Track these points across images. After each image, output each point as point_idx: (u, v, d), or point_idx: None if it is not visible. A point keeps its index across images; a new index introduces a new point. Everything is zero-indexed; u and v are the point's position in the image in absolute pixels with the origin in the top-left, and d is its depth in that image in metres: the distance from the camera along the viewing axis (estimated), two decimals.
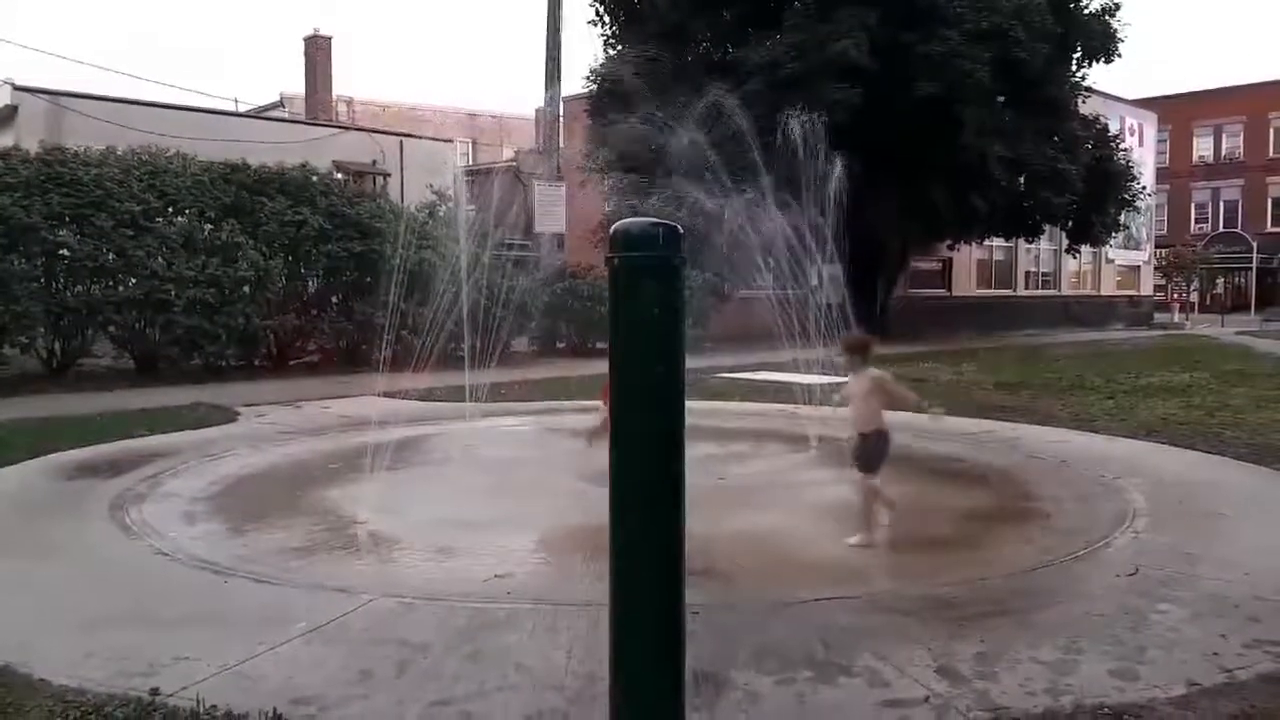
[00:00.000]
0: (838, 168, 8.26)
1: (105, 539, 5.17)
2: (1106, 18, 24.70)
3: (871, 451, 5.08)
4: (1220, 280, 52.04)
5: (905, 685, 3.21)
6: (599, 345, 17.48)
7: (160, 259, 12.92)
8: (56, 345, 13.05)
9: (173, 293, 12.86)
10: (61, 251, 12.32)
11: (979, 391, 12.14)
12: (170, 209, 13.65)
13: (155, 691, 3.11)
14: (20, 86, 21.20)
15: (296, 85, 35.81)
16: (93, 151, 13.51)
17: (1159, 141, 45.29)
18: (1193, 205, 55.78)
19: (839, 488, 6.41)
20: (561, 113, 22.78)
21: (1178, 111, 51.14)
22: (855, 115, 18.85)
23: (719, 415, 9.77)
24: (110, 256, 12.64)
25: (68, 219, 12.39)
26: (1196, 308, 44.73)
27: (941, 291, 32.01)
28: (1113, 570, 4.55)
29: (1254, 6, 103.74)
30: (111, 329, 13.32)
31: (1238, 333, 29.20)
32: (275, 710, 2.97)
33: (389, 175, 25.92)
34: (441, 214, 16.20)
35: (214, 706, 2.99)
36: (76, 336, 13.17)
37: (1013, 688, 3.19)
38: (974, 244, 29.32)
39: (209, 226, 13.73)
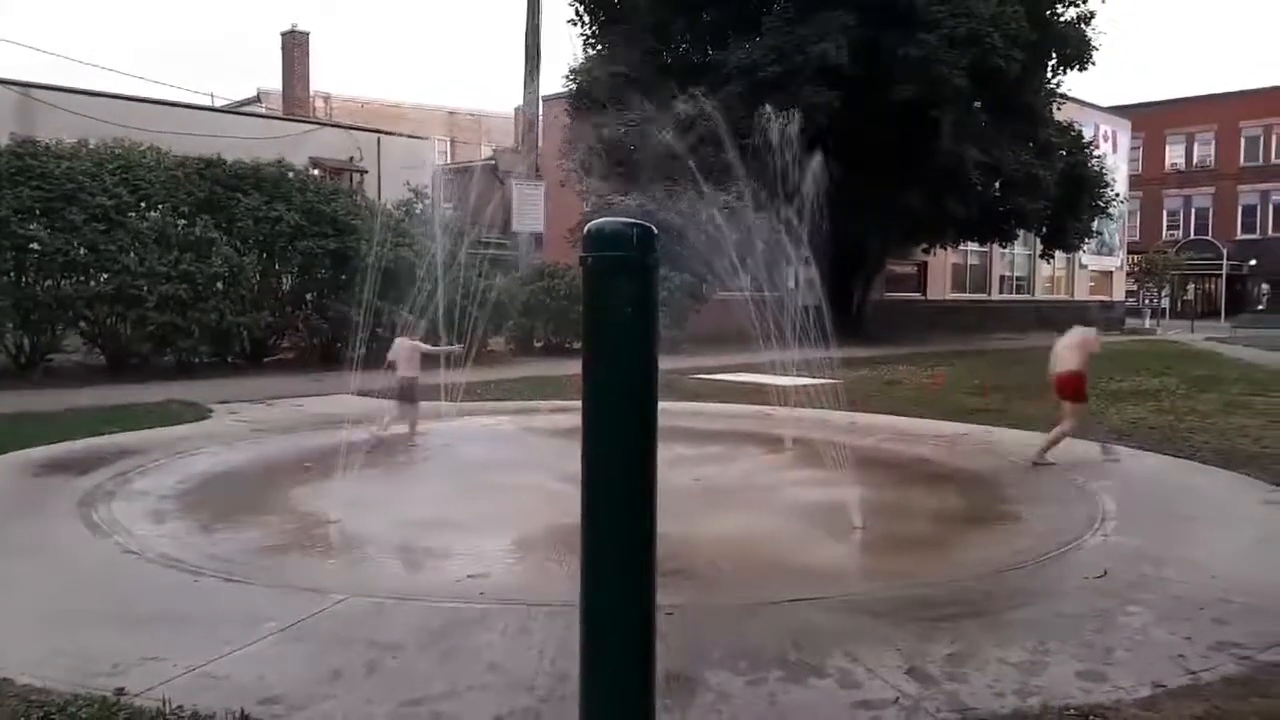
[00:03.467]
0: (815, 170, 8.28)
1: (72, 537, 5.10)
2: (1082, 26, 24.97)
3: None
4: (1191, 286, 52.72)
5: (876, 686, 3.23)
6: (576, 345, 17.45)
7: (132, 254, 12.76)
8: (25, 341, 12.86)
9: (145, 288, 12.70)
10: (31, 245, 12.14)
11: (954, 395, 12.22)
12: (143, 204, 13.48)
13: (121, 691, 3.07)
14: None
15: (273, 81, 35.59)
16: (64, 144, 13.34)
17: (1132, 149, 45.79)
18: (1165, 212, 56.49)
19: (814, 489, 6.45)
20: (540, 112, 22.72)
21: (1151, 120, 51.74)
22: (834, 118, 18.95)
23: (695, 416, 9.78)
24: (81, 251, 12.48)
25: (38, 212, 12.22)
26: (1167, 313, 45.25)
27: (917, 295, 32.21)
28: (1082, 572, 4.59)
29: (1227, 17, 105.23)
30: (82, 325, 13.16)
31: (1207, 339, 29.56)
32: (243, 710, 2.94)
33: (366, 172, 25.78)
34: (418, 211, 16.14)
35: (180, 706, 2.96)
36: (46, 332, 12.98)
37: (981, 689, 3.22)
38: (949, 248, 29.52)
39: (182, 222, 13.58)
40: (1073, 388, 7.49)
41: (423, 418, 8.76)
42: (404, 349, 8.42)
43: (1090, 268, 40.87)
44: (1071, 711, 3.05)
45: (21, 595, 4.16)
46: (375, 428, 8.06)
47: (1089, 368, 7.70)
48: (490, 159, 32.88)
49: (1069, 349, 7.62)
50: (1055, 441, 7.37)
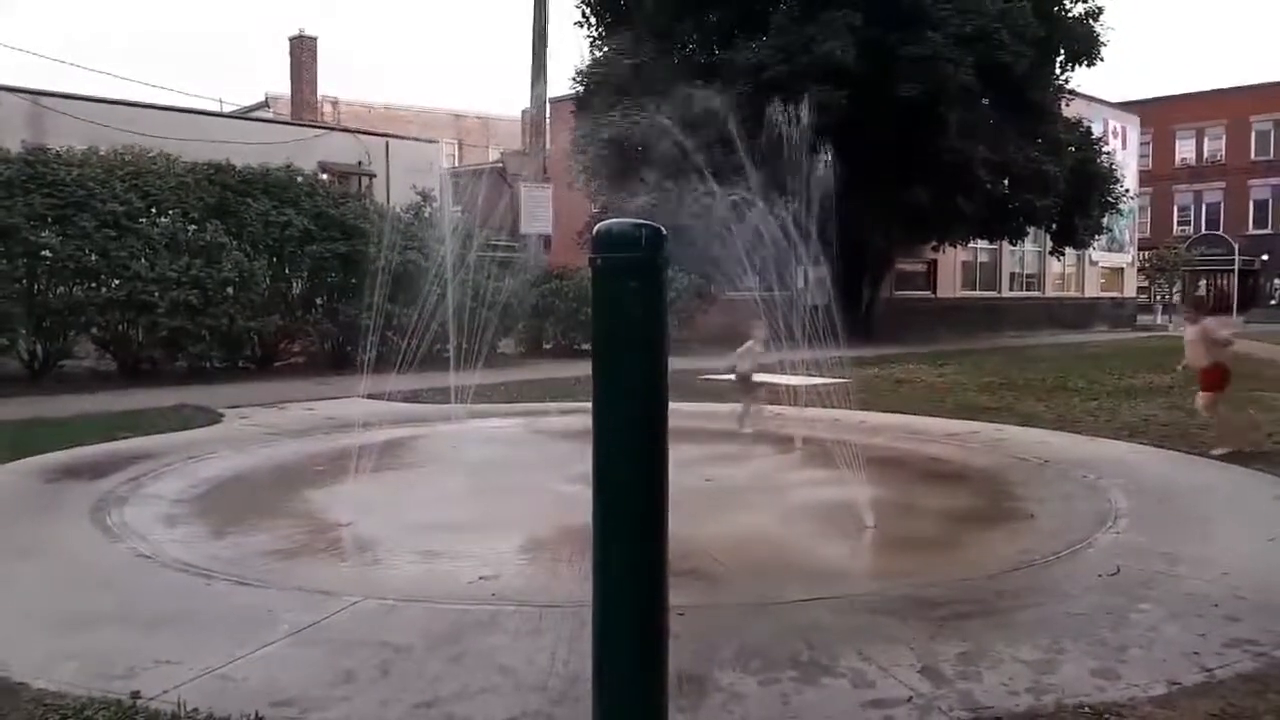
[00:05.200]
0: (823, 169, 8.28)
1: (86, 541, 5.13)
2: (1090, 21, 24.91)
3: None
4: (1203, 282, 52.44)
5: (889, 685, 3.22)
6: (585, 346, 17.46)
7: (143, 260, 12.83)
8: (38, 347, 12.94)
9: (156, 294, 12.77)
10: (43, 252, 12.21)
11: (964, 393, 12.19)
12: (153, 210, 13.55)
13: (136, 694, 3.09)
14: (1, 86, 21.02)
15: (282, 86, 35.68)
16: (75, 152, 13.41)
17: (1141, 144, 45.57)
18: (1175, 208, 56.19)
19: (824, 488, 6.44)
20: (548, 114, 22.75)
21: (1160, 115, 51.48)
22: (841, 117, 18.92)
23: (704, 416, 9.77)
24: (93, 257, 12.54)
25: (50, 220, 12.29)
26: (1179, 310, 45.03)
27: (926, 293, 32.11)
28: (1094, 570, 4.57)
29: (1236, 12, 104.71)
30: (94, 330, 13.23)
31: None
32: (257, 713, 2.95)
33: (374, 176, 25.83)
34: (427, 215, 16.18)
35: (195, 709, 2.97)
36: (58, 338, 13.06)
37: (995, 687, 3.21)
38: (958, 246, 29.45)
39: (193, 227, 13.64)
40: (1211, 379, 7.92)
41: (434, 420, 8.83)
42: (750, 349, 9.20)
43: (1101, 264, 40.70)
44: (1086, 710, 3.04)
45: (35, 599, 4.18)
46: (740, 425, 8.97)
47: (1224, 357, 8.00)
48: (498, 162, 32.92)
49: (1194, 343, 8.05)
50: (1253, 426, 8.04)
